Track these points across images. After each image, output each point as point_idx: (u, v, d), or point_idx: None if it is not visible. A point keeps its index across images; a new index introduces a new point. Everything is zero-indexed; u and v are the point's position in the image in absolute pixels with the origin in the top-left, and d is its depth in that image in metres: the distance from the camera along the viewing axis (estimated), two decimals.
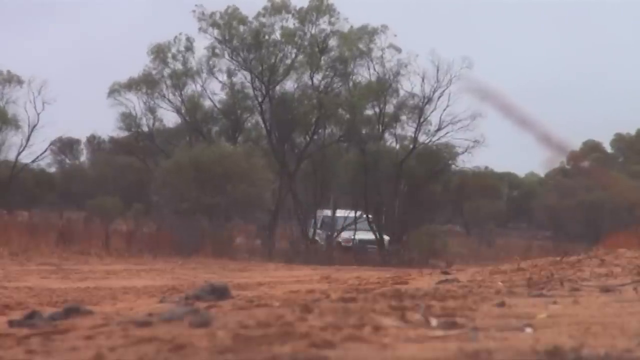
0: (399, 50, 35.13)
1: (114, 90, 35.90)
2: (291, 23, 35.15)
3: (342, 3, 45.71)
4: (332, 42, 35.36)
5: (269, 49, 35.14)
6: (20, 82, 37.66)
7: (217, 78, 36.03)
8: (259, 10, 35.09)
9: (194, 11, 34.77)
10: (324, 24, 35.24)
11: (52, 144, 42.51)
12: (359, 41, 35.12)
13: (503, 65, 66.52)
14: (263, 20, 35.10)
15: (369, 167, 35.35)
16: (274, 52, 35.18)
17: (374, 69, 35.54)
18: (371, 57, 35.34)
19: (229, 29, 34.90)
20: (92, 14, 71.32)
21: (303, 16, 34.99)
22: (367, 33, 35.17)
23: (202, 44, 35.60)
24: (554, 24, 76.76)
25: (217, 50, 35.42)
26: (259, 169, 31.48)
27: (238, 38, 34.99)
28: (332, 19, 35.16)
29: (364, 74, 35.79)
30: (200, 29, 35.05)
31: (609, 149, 53.62)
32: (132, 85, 35.91)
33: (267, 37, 35.05)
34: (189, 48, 35.70)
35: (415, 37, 70.85)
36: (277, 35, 35.18)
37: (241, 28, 34.98)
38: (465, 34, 67.71)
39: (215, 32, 35.05)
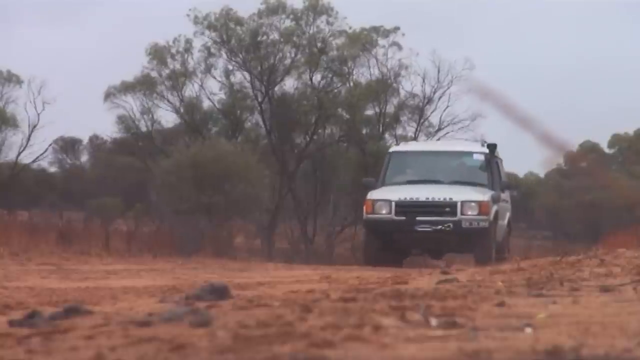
0: (400, 47, 35.14)
1: (110, 94, 35.81)
2: (288, 23, 35.15)
3: (342, 3, 45.77)
4: (338, 41, 35.32)
5: (268, 49, 35.11)
6: (19, 81, 37.70)
7: (215, 78, 36.03)
8: (259, 8, 35.08)
9: (188, 15, 34.81)
10: (322, 24, 35.25)
11: (54, 142, 42.60)
12: (365, 40, 35.06)
13: (500, 62, 66.54)
14: (260, 20, 35.06)
15: (369, 167, 35.33)
16: (272, 52, 35.16)
17: (377, 68, 35.59)
18: (373, 56, 35.35)
19: (225, 31, 34.86)
20: (93, 13, 71.36)
21: (299, 16, 34.96)
22: (375, 32, 35.14)
23: (200, 44, 35.60)
24: (552, 22, 76.81)
25: (213, 50, 35.37)
26: (254, 167, 31.41)
27: (236, 39, 34.95)
28: (331, 19, 35.17)
29: (364, 73, 35.85)
30: (196, 32, 35.08)
31: (606, 150, 53.56)
32: (128, 87, 35.83)
33: (265, 37, 35.03)
34: (188, 49, 35.64)
35: (416, 37, 70.86)
36: (275, 35, 35.20)
37: (238, 29, 34.94)
38: (459, 33, 67.74)
39: (213, 34, 35.02)
